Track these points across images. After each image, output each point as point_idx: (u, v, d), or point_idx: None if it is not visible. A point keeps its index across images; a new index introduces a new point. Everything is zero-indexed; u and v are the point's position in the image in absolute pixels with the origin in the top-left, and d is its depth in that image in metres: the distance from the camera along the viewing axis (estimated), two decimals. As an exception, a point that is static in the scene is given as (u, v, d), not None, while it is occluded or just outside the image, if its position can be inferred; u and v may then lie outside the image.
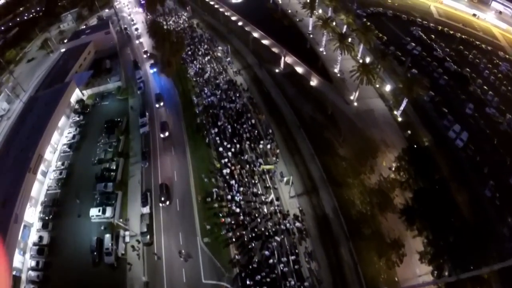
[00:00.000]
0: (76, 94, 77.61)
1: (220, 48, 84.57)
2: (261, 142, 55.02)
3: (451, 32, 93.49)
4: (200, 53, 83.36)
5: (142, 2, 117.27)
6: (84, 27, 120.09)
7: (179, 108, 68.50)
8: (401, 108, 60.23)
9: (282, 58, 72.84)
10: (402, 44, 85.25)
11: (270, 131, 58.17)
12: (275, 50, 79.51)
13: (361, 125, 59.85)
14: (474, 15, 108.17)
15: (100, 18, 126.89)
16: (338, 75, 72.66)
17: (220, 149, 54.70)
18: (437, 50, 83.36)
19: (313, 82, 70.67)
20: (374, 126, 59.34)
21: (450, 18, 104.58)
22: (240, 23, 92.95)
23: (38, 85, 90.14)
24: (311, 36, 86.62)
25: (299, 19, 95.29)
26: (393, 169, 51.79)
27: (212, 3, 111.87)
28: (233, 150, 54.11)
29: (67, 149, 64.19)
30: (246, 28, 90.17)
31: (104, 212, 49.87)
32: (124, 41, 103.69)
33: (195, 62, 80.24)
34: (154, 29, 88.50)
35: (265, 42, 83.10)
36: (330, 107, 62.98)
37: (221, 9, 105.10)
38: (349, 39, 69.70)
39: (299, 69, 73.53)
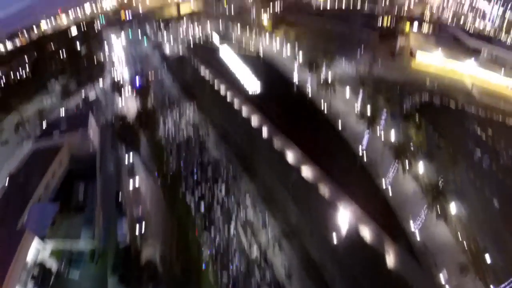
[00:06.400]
0: (35, 246, 52.23)
1: (249, 205, 57.12)
2: None
3: (501, 118, 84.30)
4: (218, 201, 57.55)
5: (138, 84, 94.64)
6: (61, 116, 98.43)
7: None
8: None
9: (347, 220, 49.24)
10: (467, 154, 68.89)
11: None
12: (325, 191, 55.67)
13: None
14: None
15: (85, 100, 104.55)
16: (419, 238, 49.42)
17: None
18: (503, 155, 69.78)
19: (389, 258, 46.82)
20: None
21: (491, 96, 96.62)
22: (265, 133, 69.55)
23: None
24: (365, 155, 64.53)
25: (342, 123, 73.73)
26: None
27: (222, 92, 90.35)
28: None
29: None
30: (276, 141, 67.01)
31: None
32: (107, 144, 79.78)
33: (212, 228, 53.04)
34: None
35: (307, 173, 59.48)
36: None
37: (236, 104, 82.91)
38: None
39: (365, 230, 49.81)
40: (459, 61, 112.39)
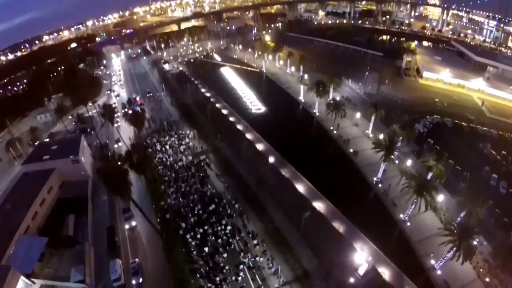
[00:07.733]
0: (22, 281, 46.46)
1: (257, 244, 49.94)
2: None
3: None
4: (223, 239, 50.92)
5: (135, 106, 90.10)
6: (53, 137, 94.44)
7: None
8: None
9: (363, 260, 43.90)
10: (483, 179, 65.55)
11: None
12: (339, 227, 50.12)
13: None
14: None
15: (80, 118, 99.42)
16: (440, 275, 44.35)
17: None
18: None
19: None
20: None
21: (500, 113, 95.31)
22: (271, 159, 64.28)
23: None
24: (380, 185, 59.77)
25: (353, 149, 69.20)
26: None
27: (224, 112, 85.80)
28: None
29: None
30: (283, 173, 61.57)
31: None
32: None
33: (217, 279, 44.68)
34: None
35: (319, 207, 53.98)
36: None
37: (238, 126, 78.26)
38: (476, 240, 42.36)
39: (383, 270, 44.33)
40: (466, 78, 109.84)
